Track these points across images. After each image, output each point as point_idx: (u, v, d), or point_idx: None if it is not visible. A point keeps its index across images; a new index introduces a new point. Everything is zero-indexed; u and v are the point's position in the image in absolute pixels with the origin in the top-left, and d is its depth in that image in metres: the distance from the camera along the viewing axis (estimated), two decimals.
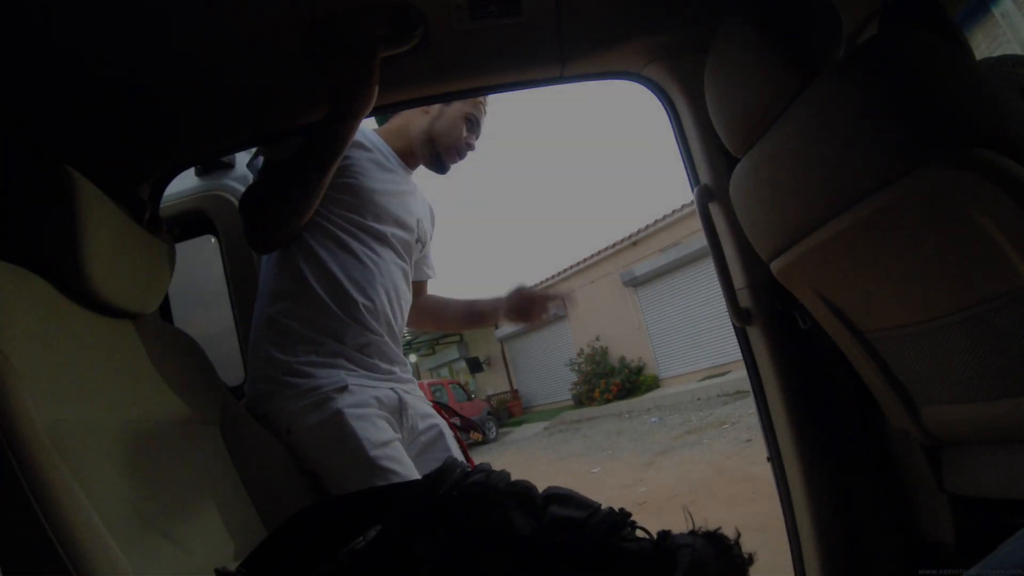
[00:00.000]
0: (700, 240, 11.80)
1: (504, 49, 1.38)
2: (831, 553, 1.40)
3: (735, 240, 1.43)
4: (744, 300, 1.45)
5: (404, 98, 1.48)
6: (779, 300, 1.39)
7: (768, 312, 1.41)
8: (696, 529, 0.54)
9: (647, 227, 13.83)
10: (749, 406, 7.85)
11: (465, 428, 1.65)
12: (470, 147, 1.67)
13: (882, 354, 1.21)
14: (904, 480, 1.36)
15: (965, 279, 0.95)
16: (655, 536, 0.55)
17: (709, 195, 1.47)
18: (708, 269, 12.09)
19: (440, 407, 1.61)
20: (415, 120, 1.64)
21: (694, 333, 13.02)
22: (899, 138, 0.91)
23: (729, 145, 1.24)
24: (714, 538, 0.53)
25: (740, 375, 10.53)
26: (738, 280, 1.46)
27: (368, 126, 1.65)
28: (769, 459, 1.51)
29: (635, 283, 14.07)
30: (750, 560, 0.53)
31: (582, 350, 15.20)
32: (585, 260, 15.30)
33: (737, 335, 1.50)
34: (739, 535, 0.54)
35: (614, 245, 14.62)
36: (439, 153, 1.64)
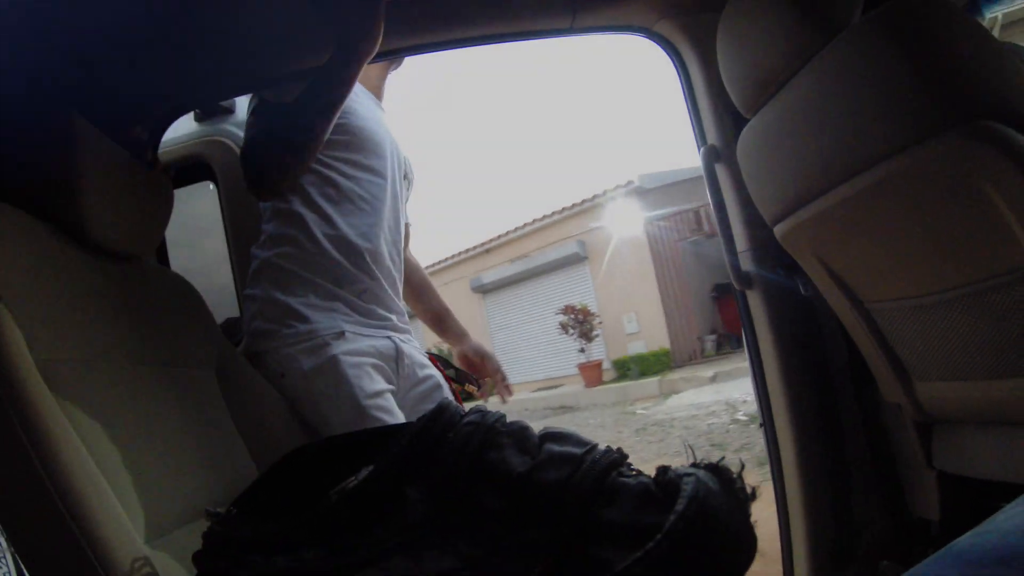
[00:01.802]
0: (546, 255, 12.47)
1: None
2: (819, 521, 1.41)
3: (739, 202, 1.42)
4: (746, 263, 1.44)
5: (409, 44, 1.45)
6: (781, 266, 1.38)
7: (769, 276, 1.41)
8: (697, 462, 0.54)
9: (499, 236, 13.84)
10: (570, 421, 8.23)
11: (460, 380, 1.66)
12: None
13: (881, 326, 1.21)
14: (894, 454, 1.37)
15: (970, 254, 0.95)
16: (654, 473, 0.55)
17: (716, 155, 1.45)
18: (551, 284, 12.73)
19: (436, 359, 1.61)
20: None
21: (534, 345, 13.23)
22: (914, 105, 0.89)
23: (739, 104, 1.22)
24: (716, 470, 0.52)
25: (568, 390, 11.09)
26: (740, 243, 1.45)
27: None
28: (761, 425, 1.52)
29: (483, 290, 14.17)
30: (753, 494, 0.53)
31: (429, 350, 15.22)
32: (439, 263, 15.17)
33: (737, 299, 1.49)
34: (743, 467, 0.54)
35: (467, 251, 14.63)
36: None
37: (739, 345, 9.71)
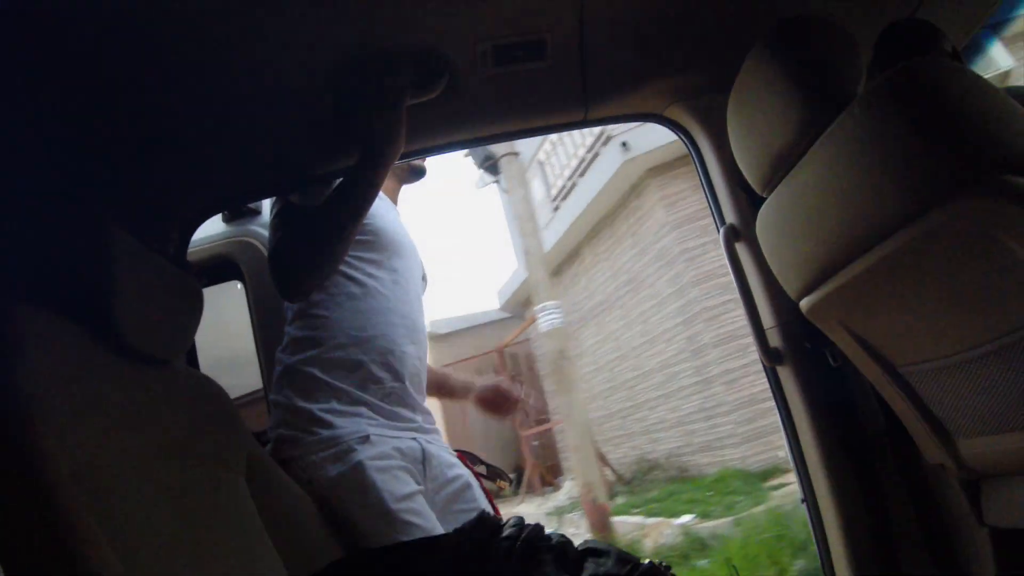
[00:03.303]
0: None
1: (529, 94, 1.41)
2: None
3: (763, 279, 1.42)
4: (774, 339, 1.43)
5: (430, 144, 1.51)
6: (809, 338, 1.37)
7: (798, 351, 1.40)
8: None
9: None
10: None
11: (491, 477, 1.62)
12: None
13: (915, 388, 1.18)
14: (942, 515, 1.32)
15: (1000, 308, 0.94)
16: None
17: (735, 235, 1.47)
18: None
19: (464, 456, 1.59)
20: None
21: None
22: (930, 168, 0.90)
23: (754, 184, 1.24)
24: None
25: None
26: (767, 320, 1.45)
27: None
28: (803, 501, 1.47)
29: None
30: None
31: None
32: None
33: (767, 375, 1.48)
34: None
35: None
36: (409, 163, 1.68)
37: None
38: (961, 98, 0.90)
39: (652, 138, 6.72)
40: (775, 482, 6.15)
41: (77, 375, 0.91)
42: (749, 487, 6.04)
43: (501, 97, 1.40)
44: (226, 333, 2.09)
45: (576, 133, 8.12)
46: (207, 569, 0.99)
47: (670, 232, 7.30)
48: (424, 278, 1.67)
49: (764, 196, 1.23)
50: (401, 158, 1.35)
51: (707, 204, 1.56)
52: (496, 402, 1.78)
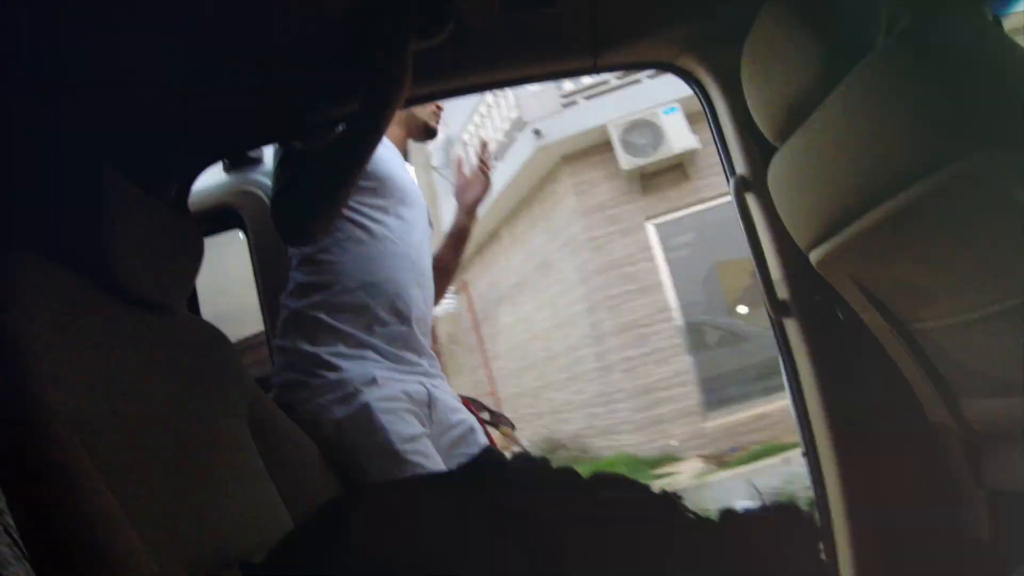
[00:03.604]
0: None
1: (537, 39, 1.37)
2: (866, 547, 1.38)
3: (772, 230, 1.41)
4: (781, 291, 1.42)
5: (435, 89, 1.48)
6: (818, 291, 1.36)
7: (806, 303, 1.39)
8: (766, 503, 0.52)
9: None
10: None
11: (494, 423, 1.64)
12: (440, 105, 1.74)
13: (923, 346, 1.18)
14: (941, 474, 1.33)
15: (1012, 267, 0.93)
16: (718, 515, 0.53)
17: (745, 185, 1.45)
18: None
19: (468, 402, 1.60)
20: None
21: None
22: (948, 121, 0.88)
23: (767, 133, 1.22)
24: (787, 510, 0.51)
25: None
26: (775, 271, 1.44)
27: None
28: (804, 454, 1.49)
29: None
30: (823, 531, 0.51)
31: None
32: None
33: (773, 327, 1.48)
34: (813, 504, 0.52)
35: None
36: (425, 121, 1.70)
37: None
38: (984, 52, 0.89)
39: (566, 126, 6.92)
40: (663, 470, 6.38)
41: (74, 320, 0.90)
42: (636, 473, 6.14)
43: (509, 43, 1.37)
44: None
45: (496, 116, 8.22)
46: (210, 515, 1.00)
47: (579, 219, 7.45)
48: (430, 224, 1.66)
49: (777, 146, 1.22)
50: (406, 104, 1.33)
51: (717, 154, 1.55)
52: (475, 184, 1.81)
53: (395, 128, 1.67)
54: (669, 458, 6.68)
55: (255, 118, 1.47)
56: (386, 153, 1.54)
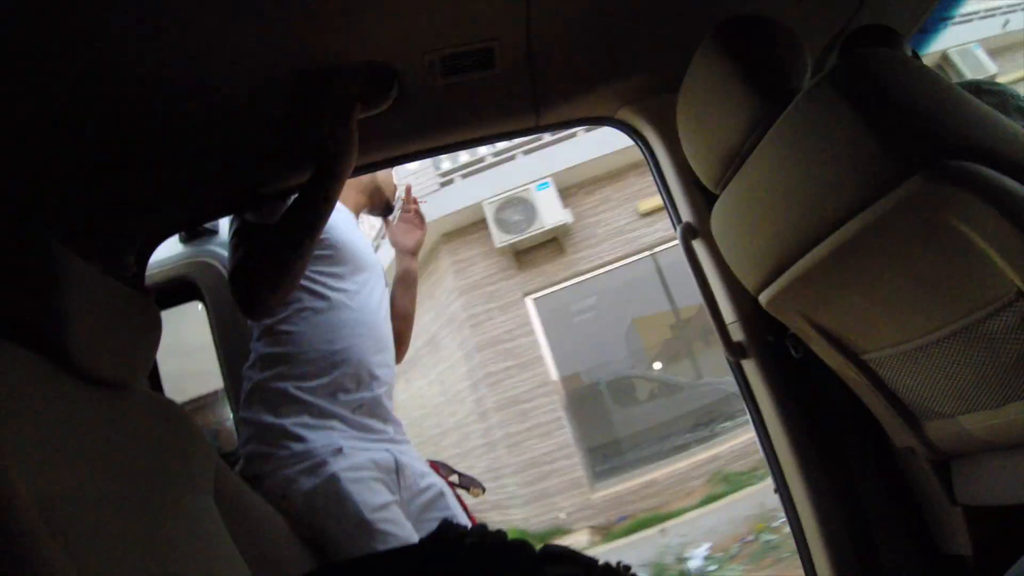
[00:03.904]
0: None
1: (479, 103, 1.41)
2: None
3: (721, 275, 1.44)
4: (736, 334, 1.44)
5: (383, 157, 1.50)
6: (770, 331, 1.38)
7: (761, 344, 1.41)
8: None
9: None
10: None
11: (464, 485, 1.62)
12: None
13: (879, 374, 1.20)
14: (915, 496, 1.35)
15: (955, 291, 0.95)
16: None
17: (692, 233, 1.48)
18: None
19: (437, 466, 1.59)
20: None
21: None
22: (876, 156, 0.90)
23: (706, 181, 1.25)
24: None
25: None
26: (728, 315, 1.46)
27: None
28: (776, 491, 1.49)
29: None
30: None
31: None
32: None
33: (732, 370, 1.49)
34: None
35: None
36: (387, 199, 1.74)
37: None
38: (907, 86, 0.91)
39: (445, 204, 6.99)
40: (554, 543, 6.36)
41: (34, 403, 0.88)
42: None
43: (452, 107, 1.40)
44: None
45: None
46: None
47: (459, 297, 7.56)
48: (387, 284, 1.67)
49: (717, 193, 1.24)
50: (355, 172, 1.34)
51: (664, 203, 1.57)
52: (412, 227, 1.82)
53: (357, 196, 1.69)
54: (559, 531, 6.74)
55: (210, 190, 1.47)
56: (340, 219, 1.54)
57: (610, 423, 8.01)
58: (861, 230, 0.96)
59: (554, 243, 7.32)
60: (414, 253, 1.83)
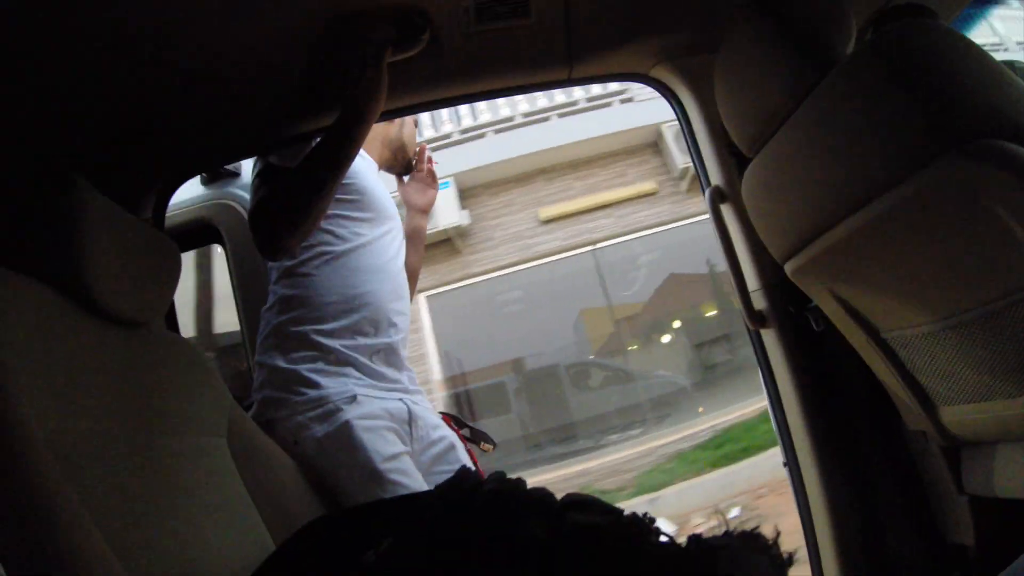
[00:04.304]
0: None
1: (512, 52, 1.38)
2: (851, 556, 1.38)
3: (748, 241, 1.42)
4: (758, 302, 1.43)
5: (412, 102, 1.48)
6: (793, 302, 1.37)
7: (782, 314, 1.39)
8: (731, 530, 0.52)
9: None
10: None
11: (475, 439, 1.63)
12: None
13: (899, 354, 1.19)
14: (923, 482, 1.34)
15: (984, 274, 0.93)
16: (685, 542, 0.52)
17: (721, 196, 1.45)
18: None
19: (449, 418, 1.59)
20: (384, 129, 1.68)
21: None
22: (915, 130, 0.88)
23: (741, 145, 1.23)
24: (751, 538, 0.50)
25: None
26: (752, 282, 1.44)
27: None
28: (785, 464, 1.49)
29: None
30: (790, 560, 0.51)
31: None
32: None
33: (751, 338, 1.48)
34: (778, 534, 0.52)
35: None
36: (409, 159, 1.73)
37: None
38: (951, 61, 0.89)
39: None
40: None
41: (49, 340, 0.89)
42: None
43: (484, 55, 1.37)
44: None
45: None
46: (188, 535, 0.98)
47: None
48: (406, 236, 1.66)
49: (750, 157, 1.22)
50: (382, 116, 1.33)
51: (693, 165, 1.54)
52: (425, 186, 1.81)
53: (382, 149, 1.68)
54: None
55: (233, 131, 1.46)
56: (366, 168, 1.54)
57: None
58: (895, 204, 0.94)
59: (448, 244, 7.32)
60: (425, 212, 1.82)
